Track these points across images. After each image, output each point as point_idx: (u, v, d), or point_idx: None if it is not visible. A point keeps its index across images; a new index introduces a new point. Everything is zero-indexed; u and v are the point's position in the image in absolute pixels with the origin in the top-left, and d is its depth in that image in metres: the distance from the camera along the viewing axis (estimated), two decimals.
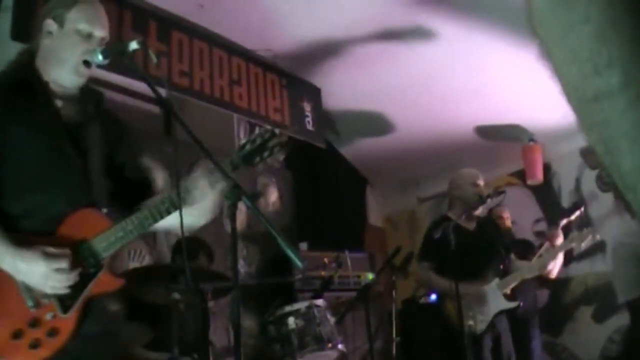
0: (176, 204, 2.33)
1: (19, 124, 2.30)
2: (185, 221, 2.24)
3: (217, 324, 4.84)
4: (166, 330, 3.55)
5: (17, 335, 2.16)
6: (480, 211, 5.04)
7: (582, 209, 5.27)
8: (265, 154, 2.40)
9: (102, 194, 2.45)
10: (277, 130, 2.43)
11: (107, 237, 2.33)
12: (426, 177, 7.59)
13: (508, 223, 5.96)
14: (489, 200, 4.86)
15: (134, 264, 5.27)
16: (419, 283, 5.32)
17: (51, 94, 2.42)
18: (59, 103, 2.43)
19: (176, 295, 3.45)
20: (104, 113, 2.57)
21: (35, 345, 2.17)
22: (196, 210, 2.45)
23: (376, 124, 6.95)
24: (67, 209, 2.31)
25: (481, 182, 5.06)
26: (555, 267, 5.14)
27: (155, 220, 2.37)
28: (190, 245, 4.46)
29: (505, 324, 4.88)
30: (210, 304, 3.94)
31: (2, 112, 2.31)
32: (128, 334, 3.86)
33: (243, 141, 2.43)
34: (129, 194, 2.51)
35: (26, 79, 2.39)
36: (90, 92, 2.54)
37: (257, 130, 2.47)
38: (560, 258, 5.13)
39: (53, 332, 2.20)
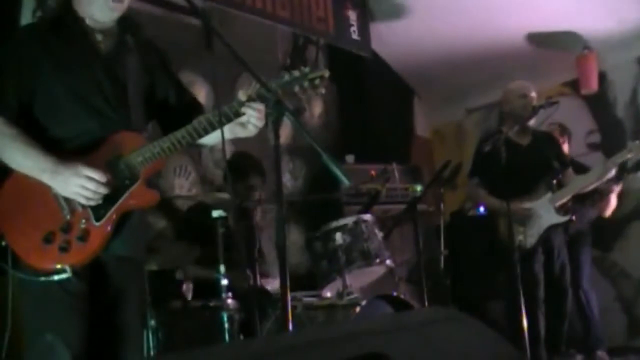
0: (215, 123, 2.36)
1: (52, 59, 2.38)
2: (226, 135, 2.33)
3: (265, 237, 4.81)
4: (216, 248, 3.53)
5: (48, 239, 2.26)
6: (533, 123, 4.84)
7: None
8: (305, 84, 2.38)
9: (141, 121, 2.53)
10: (324, 72, 2.42)
11: (143, 152, 2.38)
12: (474, 87, 7.31)
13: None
14: (541, 110, 4.65)
15: (179, 181, 5.24)
16: (468, 199, 5.19)
17: (87, 29, 2.45)
18: (98, 37, 2.47)
19: (220, 213, 3.39)
20: (144, 43, 2.60)
21: (64, 247, 2.26)
22: (238, 127, 2.46)
23: (422, 31, 6.68)
24: (103, 136, 2.39)
25: (532, 94, 4.84)
26: (610, 205, 4.91)
27: (193, 138, 2.40)
28: (240, 163, 4.38)
29: (561, 238, 4.77)
30: (257, 218, 3.90)
31: (36, 49, 2.38)
32: (177, 252, 3.85)
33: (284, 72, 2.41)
34: (178, 122, 2.49)
35: (62, 17, 2.45)
36: (127, 23, 2.55)
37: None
38: (614, 200, 4.89)
39: (84, 236, 2.28)
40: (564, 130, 5.76)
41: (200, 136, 2.40)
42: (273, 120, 2.25)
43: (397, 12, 6.47)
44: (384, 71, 7.36)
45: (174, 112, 2.60)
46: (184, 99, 2.69)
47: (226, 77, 5.12)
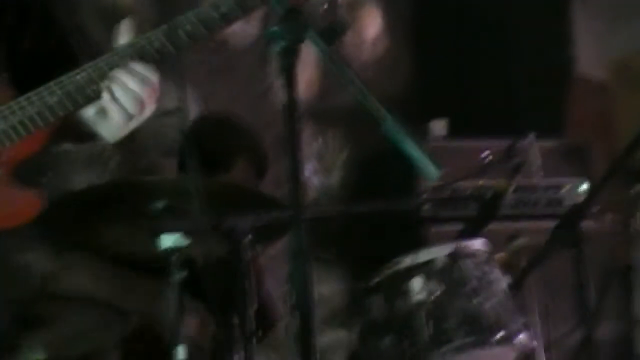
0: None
1: None
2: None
3: (269, 288, 4.92)
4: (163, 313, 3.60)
5: None
6: None
7: None
8: None
9: None
10: None
11: None
12: None
13: None
14: None
15: (91, 177, 5.35)
16: None
17: None
18: None
19: (177, 241, 3.48)
20: None
21: None
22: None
23: None
24: None
25: None
26: None
27: (76, 105, 2.53)
28: (213, 139, 4.47)
29: None
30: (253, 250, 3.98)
31: None
32: (86, 324, 3.93)
33: None
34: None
35: None
36: None
37: None
38: None
39: None
40: None
41: (91, 100, 2.56)
42: (280, 52, 2.30)
43: None
44: None
45: (34, 54, 2.76)
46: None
47: None
